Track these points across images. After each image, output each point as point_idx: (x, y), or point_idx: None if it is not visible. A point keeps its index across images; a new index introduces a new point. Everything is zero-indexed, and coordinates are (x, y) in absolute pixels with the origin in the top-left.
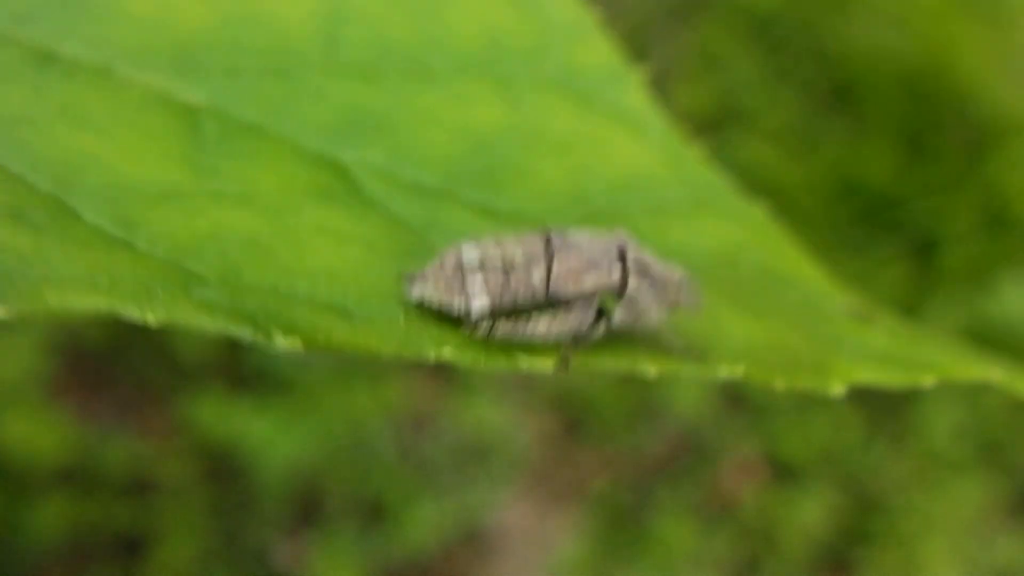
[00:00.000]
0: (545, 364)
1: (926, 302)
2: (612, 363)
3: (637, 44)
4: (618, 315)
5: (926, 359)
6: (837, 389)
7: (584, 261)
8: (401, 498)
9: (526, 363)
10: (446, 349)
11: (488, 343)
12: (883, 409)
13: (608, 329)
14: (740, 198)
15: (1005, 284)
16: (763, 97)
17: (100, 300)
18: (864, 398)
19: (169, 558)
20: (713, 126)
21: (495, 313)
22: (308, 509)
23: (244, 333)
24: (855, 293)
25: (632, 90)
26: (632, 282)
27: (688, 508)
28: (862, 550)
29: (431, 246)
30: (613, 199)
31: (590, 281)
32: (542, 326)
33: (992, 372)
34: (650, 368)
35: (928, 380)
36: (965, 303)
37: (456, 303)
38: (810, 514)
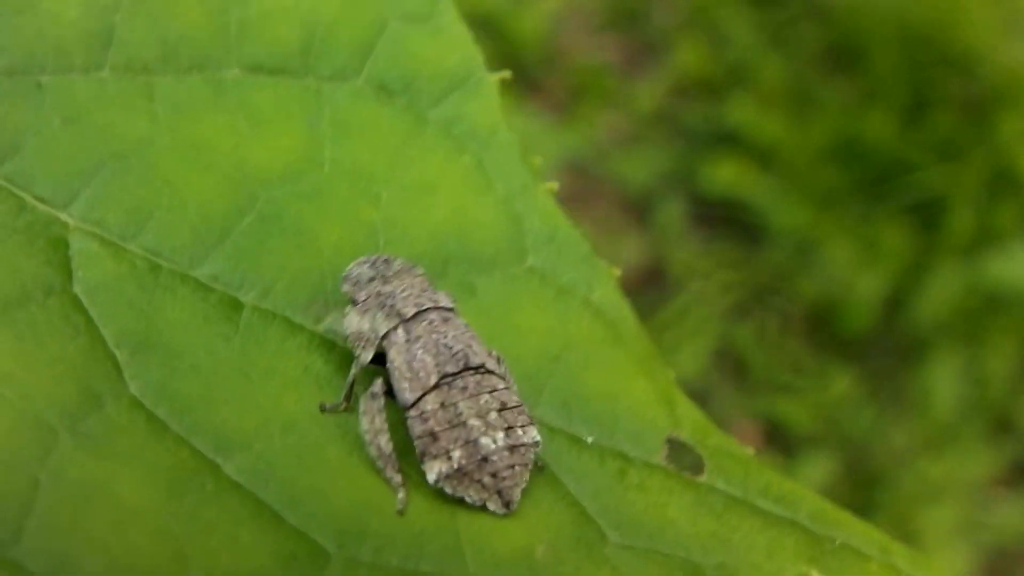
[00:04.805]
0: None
1: (932, 266)
2: None
3: (634, 6)
4: None
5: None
6: None
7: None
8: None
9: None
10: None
11: None
12: (885, 376)
13: None
14: (589, 265)
15: (1013, 246)
16: (762, 59)
17: None
18: (866, 364)
19: None
20: (711, 89)
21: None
22: None
23: None
24: (693, 423)
25: (483, 103)
26: None
27: None
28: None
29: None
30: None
31: None
32: None
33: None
34: None
35: None
36: (971, 266)
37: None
38: (810, 483)
